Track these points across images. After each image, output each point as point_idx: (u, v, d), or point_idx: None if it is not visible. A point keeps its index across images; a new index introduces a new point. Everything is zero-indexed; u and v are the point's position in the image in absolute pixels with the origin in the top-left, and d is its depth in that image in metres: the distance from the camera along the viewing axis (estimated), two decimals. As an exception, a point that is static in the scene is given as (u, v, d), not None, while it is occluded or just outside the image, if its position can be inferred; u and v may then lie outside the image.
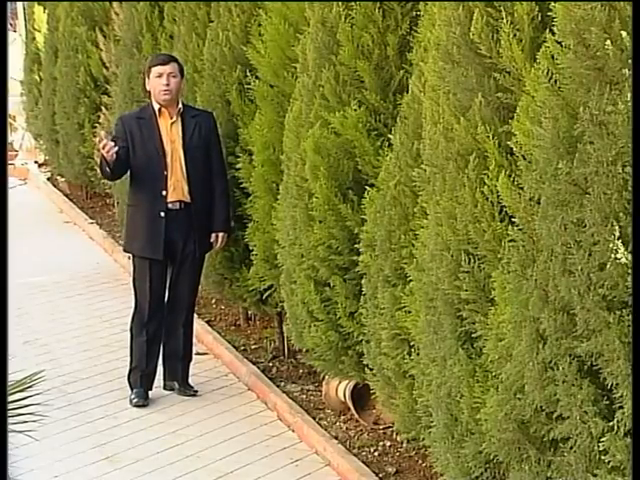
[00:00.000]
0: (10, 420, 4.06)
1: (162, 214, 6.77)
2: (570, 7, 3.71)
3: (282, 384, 7.03)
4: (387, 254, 5.20)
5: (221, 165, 7.06)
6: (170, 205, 6.80)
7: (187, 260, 6.92)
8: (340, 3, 5.69)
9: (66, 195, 13.70)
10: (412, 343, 5.03)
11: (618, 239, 3.59)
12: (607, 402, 3.78)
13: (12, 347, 6.02)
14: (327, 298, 5.98)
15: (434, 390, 4.72)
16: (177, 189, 6.82)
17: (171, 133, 6.87)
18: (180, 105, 6.92)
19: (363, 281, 5.55)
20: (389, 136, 5.37)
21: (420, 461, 5.79)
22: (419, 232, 4.83)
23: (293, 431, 6.36)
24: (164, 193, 6.78)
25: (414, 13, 5.44)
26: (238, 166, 7.17)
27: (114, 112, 9.98)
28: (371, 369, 5.57)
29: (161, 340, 6.99)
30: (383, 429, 6.22)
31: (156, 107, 6.88)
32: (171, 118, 6.88)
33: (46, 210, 13.46)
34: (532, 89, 3.97)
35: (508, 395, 4.15)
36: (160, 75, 6.81)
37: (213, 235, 7.00)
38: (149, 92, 7.00)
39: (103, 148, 6.53)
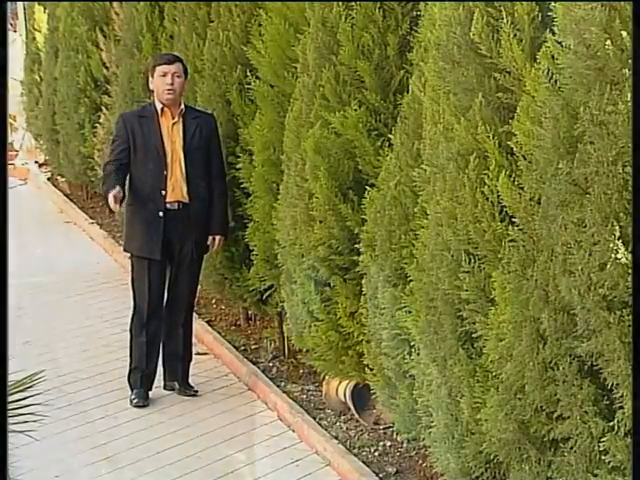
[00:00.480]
0: (10, 420, 4.05)
1: (161, 214, 6.77)
2: (570, 7, 3.71)
3: (282, 384, 7.02)
4: (387, 254, 5.20)
5: (221, 167, 7.05)
6: (169, 205, 6.79)
7: (185, 261, 6.91)
8: (340, 3, 5.70)
9: (66, 195, 13.70)
10: (412, 343, 5.02)
11: (618, 239, 3.59)
12: (607, 402, 3.78)
13: (12, 347, 5.99)
14: (327, 298, 5.98)
15: (434, 390, 4.72)
16: (176, 189, 6.81)
17: (172, 133, 6.86)
18: (182, 106, 6.91)
19: (363, 281, 5.55)
20: (389, 136, 5.38)
21: (420, 461, 5.78)
22: (419, 232, 4.83)
23: (293, 431, 6.36)
24: (163, 193, 6.77)
25: (414, 13, 5.44)
26: (238, 166, 7.17)
27: (114, 112, 9.97)
28: (371, 369, 5.57)
29: (161, 340, 6.98)
30: (383, 429, 6.22)
31: (158, 107, 6.87)
32: (173, 118, 6.87)
33: (46, 210, 13.45)
34: (532, 89, 3.97)
35: (508, 395, 4.15)
36: (165, 74, 6.79)
37: (210, 238, 6.98)
38: (152, 91, 7.00)
39: (113, 199, 6.52)
